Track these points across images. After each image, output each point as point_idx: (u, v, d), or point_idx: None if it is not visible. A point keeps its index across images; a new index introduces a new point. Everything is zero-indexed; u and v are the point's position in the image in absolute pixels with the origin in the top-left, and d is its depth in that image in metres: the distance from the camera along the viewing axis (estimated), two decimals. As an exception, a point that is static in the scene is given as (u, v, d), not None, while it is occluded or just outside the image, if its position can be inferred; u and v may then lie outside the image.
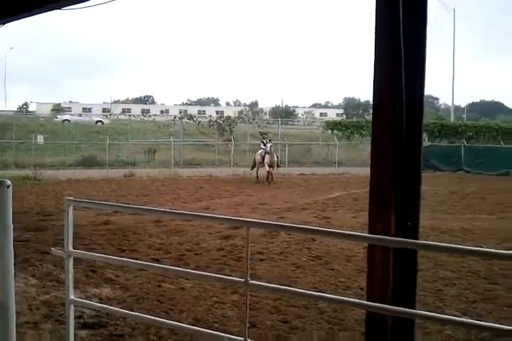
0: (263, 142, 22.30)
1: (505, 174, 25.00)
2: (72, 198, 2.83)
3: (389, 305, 2.42)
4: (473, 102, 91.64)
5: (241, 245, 8.74)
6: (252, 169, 21.80)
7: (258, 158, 21.35)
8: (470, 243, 9.03)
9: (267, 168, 20.46)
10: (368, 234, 2.43)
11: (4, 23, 7.13)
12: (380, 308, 2.29)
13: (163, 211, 2.90)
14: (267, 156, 20.64)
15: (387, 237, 2.40)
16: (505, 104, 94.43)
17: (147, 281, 6.56)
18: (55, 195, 15.24)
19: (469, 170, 26.87)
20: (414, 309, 2.50)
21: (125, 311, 3.12)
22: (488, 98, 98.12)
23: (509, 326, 1.99)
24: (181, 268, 2.69)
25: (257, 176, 20.93)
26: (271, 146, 21.20)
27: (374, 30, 2.73)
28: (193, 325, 3.69)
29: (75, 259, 3.13)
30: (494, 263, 7.70)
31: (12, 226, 2.27)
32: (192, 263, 7.50)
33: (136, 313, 3.07)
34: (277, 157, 21.91)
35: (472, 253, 2.39)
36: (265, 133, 24.69)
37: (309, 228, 2.47)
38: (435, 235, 9.66)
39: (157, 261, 7.35)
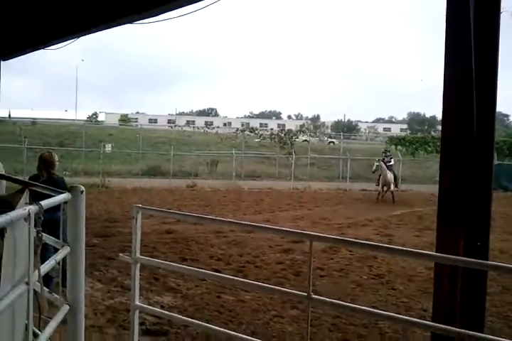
0: (383, 159, 20.97)
1: None
2: (140, 205, 2.93)
3: (456, 327, 2.35)
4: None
5: (301, 260, 8.70)
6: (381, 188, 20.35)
7: (391, 178, 20.09)
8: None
9: (391, 187, 19.82)
10: (436, 253, 2.38)
11: (79, 37, 7.49)
12: (446, 330, 2.23)
13: (227, 221, 2.95)
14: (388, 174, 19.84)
15: (456, 257, 2.33)
16: None
17: (207, 291, 6.64)
18: (121, 203, 15.77)
19: (540, 190, 25.55)
20: (482, 333, 2.41)
21: (187, 319, 3.18)
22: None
23: None
24: (245, 280, 2.72)
25: (381, 195, 19.93)
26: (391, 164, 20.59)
27: (445, 45, 2.70)
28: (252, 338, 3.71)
29: (139, 267, 3.21)
30: None
31: (85, 231, 2.38)
32: (251, 276, 7.52)
33: (198, 321, 3.12)
34: (394, 175, 20.73)
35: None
36: (388, 151, 22.95)
37: (373, 244, 2.45)
38: (504, 258, 9.24)
39: (218, 271, 7.42)
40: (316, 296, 2.44)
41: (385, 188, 19.83)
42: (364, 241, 2.56)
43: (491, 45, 2.64)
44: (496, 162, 27.28)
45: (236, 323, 5.61)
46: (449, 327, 2.25)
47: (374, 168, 20.62)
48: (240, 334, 3.32)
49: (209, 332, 4.99)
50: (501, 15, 2.69)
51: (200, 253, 9.00)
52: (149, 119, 69.75)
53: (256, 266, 8.28)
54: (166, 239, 9.95)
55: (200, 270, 3.19)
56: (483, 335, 2.21)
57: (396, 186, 20.73)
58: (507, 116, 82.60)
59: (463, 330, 2.22)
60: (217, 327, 3.19)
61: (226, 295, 6.54)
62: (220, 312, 5.94)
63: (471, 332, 2.16)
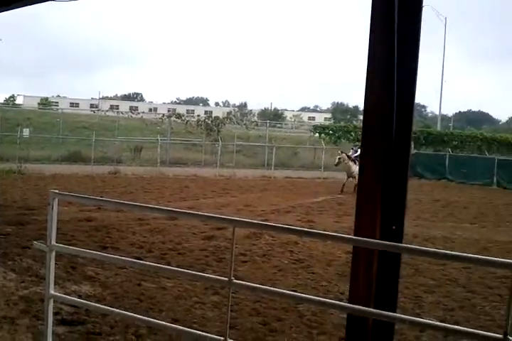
0: (354, 149, 20.46)
1: (487, 184, 25.27)
2: (56, 191, 2.79)
3: (371, 308, 2.42)
4: (460, 111, 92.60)
5: (224, 246, 8.72)
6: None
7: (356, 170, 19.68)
8: (451, 251, 9.12)
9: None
10: (353, 236, 2.43)
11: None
12: (362, 311, 2.29)
13: (149, 207, 2.87)
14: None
15: (373, 240, 2.40)
16: (491, 114, 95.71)
17: (127, 280, 6.51)
18: (38, 190, 15.08)
19: (453, 179, 27.11)
20: (395, 312, 2.50)
21: (105, 307, 3.08)
22: (474, 108, 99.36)
23: (491, 333, 2.01)
24: (166, 266, 2.67)
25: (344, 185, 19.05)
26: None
27: (368, 37, 2.74)
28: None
29: (56, 255, 3.07)
30: (473, 271, 7.78)
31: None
32: (174, 263, 7.45)
33: (117, 310, 3.04)
34: None
35: (454, 258, 2.40)
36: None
37: (295, 229, 2.47)
38: (418, 242, 9.72)
39: (139, 259, 7.27)
40: (237, 281, 2.43)
41: (351, 179, 18.79)
42: (284, 226, 2.57)
43: (412, 40, 2.70)
44: (413, 151, 28.70)
45: (157, 311, 5.53)
46: (364, 307, 2.31)
47: (336, 161, 20.04)
48: (160, 321, 3.27)
49: (128, 320, 4.92)
50: (423, 9, 2.76)
51: (120, 241, 8.79)
52: (71, 103, 67.01)
53: (178, 253, 8.21)
54: (85, 227, 9.64)
55: (119, 257, 3.10)
56: (395, 314, 2.29)
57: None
58: (424, 107, 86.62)
59: (377, 310, 2.28)
60: (135, 315, 3.12)
61: (147, 283, 6.44)
62: (140, 300, 5.84)
63: (384, 312, 2.23)
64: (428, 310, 6.05)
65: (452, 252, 2.25)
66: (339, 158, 19.73)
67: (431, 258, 7.91)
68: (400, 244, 2.49)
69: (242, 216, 11.90)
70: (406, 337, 5.09)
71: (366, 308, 2.32)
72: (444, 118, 65.78)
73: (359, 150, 18.58)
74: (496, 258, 2.13)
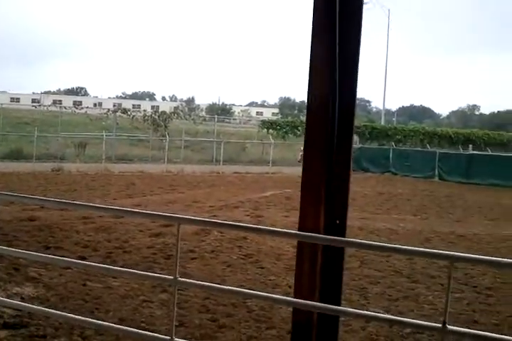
0: None
1: (429, 177, 26.13)
2: (-9, 191, 2.67)
3: (316, 302, 2.45)
4: (403, 106, 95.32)
5: (172, 243, 8.62)
6: None
7: None
8: (395, 243, 9.39)
9: None
10: (297, 232, 2.46)
11: None
12: (306, 305, 2.32)
13: (92, 206, 2.80)
14: None
15: (317, 235, 2.43)
16: (433, 109, 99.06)
17: (72, 280, 6.35)
18: (-25, 189, 14.45)
19: (397, 172, 27.87)
20: (340, 306, 2.55)
21: (48, 310, 2.99)
22: (417, 103, 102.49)
23: (431, 323, 2.08)
24: (108, 266, 2.61)
25: None
26: None
27: (311, 32, 2.76)
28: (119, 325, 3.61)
29: None
30: (416, 262, 8.04)
31: None
32: (120, 261, 7.32)
33: (60, 312, 2.95)
34: None
35: (395, 250, 2.47)
36: None
37: (240, 225, 2.47)
38: (363, 235, 9.95)
39: (84, 258, 7.12)
40: (183, 279, 2.41)
41: None
42: (229, 222, 2.57)
43: (354, 36, 2.74)
44: (357, 145, 29.33)
45: (103, 311, 5.43)
46: (308, 302, 2.34)
47: (299, 157, 19.97)
48: (105, 323, 3.21)
49: (73, 322, 4.80)
50: (364, 6, 2.81)
51: (65, 240, 8.56)
52: (11, 98, 64.52)
53: (125, 251, 8.08)
54: (28, 227, 9.32)
55: (60, 257, 3.01)
56: (339, 307, 2.33)
57: None
58: (369, 102, 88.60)
59: (321, 304, 2.32)
60: (78, 317, 3.05)
61: (92, 283, 6.30)
62: (85, 300, 5.72)
63: (328, 306, 2.26)
64: (373, 301, 6.22)
65: (390, 245, 2.32)
66: (301, 155, 20.18)
67: (374, 251, 8.15)
68: (343, 238, 2.54)
69: (190, 212, 11.83)
70: (352, 328, 5.21)
71: (311, 302, 2.35)
72: (388, 113, 67.53)
73: None
74: (434, 250, 2.20)
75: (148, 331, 3.50)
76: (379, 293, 6.56)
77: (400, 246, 2.31)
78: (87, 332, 4.75)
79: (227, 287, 2.51)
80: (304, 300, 2.44)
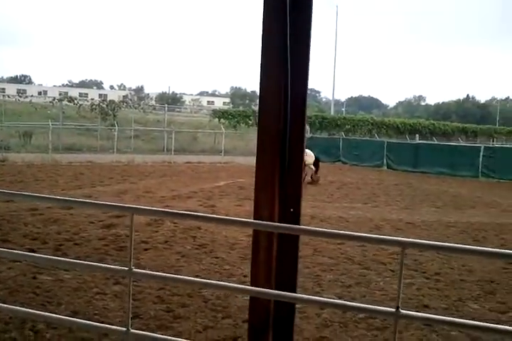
0: None
1: (378, 166, 26.77)
2: None
3: (272, 289, 2.48)
4: (352, 97, 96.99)
5: (124, 234, 8.53)
6: None
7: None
8: (346, 231, 9.60)
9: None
10: (253, 220, 2.48)
11: None
12: (263, 293, 2.35)
13: (43, 197, 2.73)
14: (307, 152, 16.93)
15: (272, 223, 2.46)
16: (381, 99, 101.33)
17: (21, 273, 6.18)
18: None
19: (347, 161, 28.42)
20: (295, 292, 2.59)
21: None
22: (365, 93, 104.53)
23: (384, 308, 2.15)
24: (60, 258, 2.56)
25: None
26: None
27: (262, 21, 2.77)
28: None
29: None
30: (368, 249, 8.25)
31: None
32: (72, 254, 7.17)
33: (11, 306, 2.87)
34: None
35: (349, 237, 2.53)
36: None
37: (195, 214, 2.47)
38: (315, 223, 10.12)
39: (33, 251, 6.93)
40: (138, 270, 2.39)
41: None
42: (184, 212, 2.57)
43: (305, 21, 2.76)
44: (308, 135, 29.66)
45: (55, 304, 5.33)
46: (265, 289, 2.37)
47: None
48: (57, 315, 3.14)
49: (24, 315, 4.68)
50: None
51: (12, 232, 8.29)
52: None
53: (76, 243, 7.91)
54: (-30, 220, 8.98)
55: (9, 250, 2.92)
56: (296, 294, 2.37)
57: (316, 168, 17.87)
58: (319, 92, 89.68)
59: (277, 292, 2.35)
60: (29, 310, 2.97)
61: (43, 276, 6.16)
62: (36, 293, 5.59)
63: (284, 293, 2.30)
64: (327, 288, 6.34)
65: (343, 231, 2.37)
66: None
67: (328, 238, 8.30)
68: (297, 226, 2.58)
69: (142, 203, 11.69)
70: (307, 315, 5.31)
71: (267, 290, 2.38)
72: (337, 103, 68.58)
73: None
74: (386, 237, 2.27)
75: (103, 323, 3.45)
76: (332, 280, 6.70)
77: (353, 233, 2.37)
78: (39, 325, 4.66)
79: (183, 277, 2.51)
80: (261, 287, 2.46)
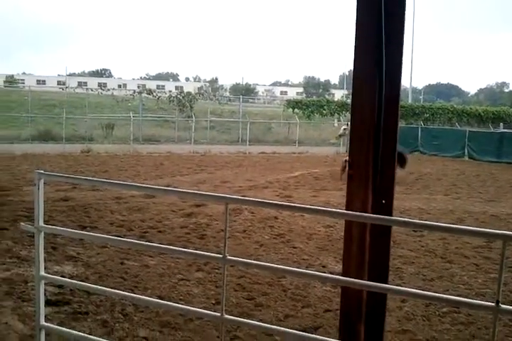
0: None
1: (459, 156, 25.73)
2: (42, 171, 2.72)
3: (364, 280, 2.46)
4: (429, 84, 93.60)
5: (205, 223, 8.74)
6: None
7: None
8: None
9: None
10: (347, 211, 2.45)
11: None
12: (357, 284, 2.33)
13: (140, 186, 2.83)
14: None
15: (366, 214, 2.43)
16: (461, 86, 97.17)
17: (110, 259, 6.49)
18: (10, 170, 14.77)
19: (425, 151, 27.50)
20: (387, 284, 2.56)
21: (95, 286, 3.06)
22: (444, 81, 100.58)
23: (484, 302, 2.07)
24: (159, 245, 2.66)
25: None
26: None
27: (356, 9, 2.72)
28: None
29: (34, 235, 2.98)
30: (450, 242, 7.98)
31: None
32: (155, 241, 7.42)
33: (105, 288, 3.02)
34: None
35: (446, 230, 2.45)
36: None
37: (288, 205, 2.48)
38: (394, 214, 9.85)
39: (120, 237, 7.25)
40: (232, 257, 2.44)
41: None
42: (275, 202, 2.58)
43: (398, 15, 2.69)
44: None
45: (141, 289, 5.55)
46: (359, 280, 2.35)
47: (341, 131, 17.72)
48: (145, 297, 3.27)
49: (114, 298, 4.92)
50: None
51: (99, 220, 8.72)
52: (37, 80, 65.39)
53: (159, 230, 8.20)
54: (62, 207, 9.52)
55: (114, 237, 3.07)
56: (390, 286, 2.34)
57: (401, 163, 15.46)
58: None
59: (371, 283, 2.33)
60: (122, 292, 3.12)
61: (130, 262, 6.43)
62: (124, 278, 5.84)
63: (379, 284, 2.27)
64: (408, 281, 6.21)
65: (441, 224, 2.29)
66: (344, 129, 18.27)
67: (416, 231, 8.11)
68: (392, 217, 2.53)
69: (219, 192, 11.90)
70: (388, 308, 5.22)
71: (361, 281, 2.36)
72: (415, 91, 66.47)
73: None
74: (487, 230, 2.18)
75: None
76: (413, 273, 6.55)
77: (451, 225, 2.29)
78: (128, 308, 4.87)
79: (276, 265, 2.54)
80: (353, 278, 2.45)
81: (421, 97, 65.86)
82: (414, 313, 5.21)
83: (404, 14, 2.64)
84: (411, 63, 50.94)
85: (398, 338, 4.65)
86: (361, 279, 2.48)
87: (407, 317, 5.10)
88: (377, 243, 2.62)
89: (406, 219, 2.48)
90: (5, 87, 48.44)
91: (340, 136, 18.98)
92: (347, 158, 13.82)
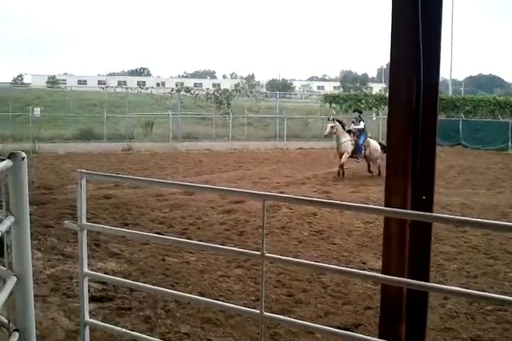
0: (354, 121, 16.19)
1: (502, 149, 24.99)
2: (84, 170, 2.79)
3: (405, 277, 2.43)
4: (470, 76, 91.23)
5: (243, 220, 8.78)
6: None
7: (348, 146, 15.27)
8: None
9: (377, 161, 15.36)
10: (386, 208, 2.42)
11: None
12: (397, 281, 2.30)
13: (182, 184, 2.87)
14: (371, 145, 15.39)
15: (405, 210, 2.40)
16: (503, 78, 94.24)
17: (151, 255, 6.59)
18: (54, 169, 15.20)
19: (467, 144, 26.85)
20: (428, 282, 2.51)
21: (138, 283, 3.13)
22: (485, 72, 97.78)
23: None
24: (199, 242, 2.69)
25: (341, 171, 14.94)
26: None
27: (391, 4, 2.68)
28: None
29: (78, 233, 3.06)
30: (494, 238, 7.77)
31: (28, 199, 2.25)
32: (195, 238, 7.51)
33: (148, 285, 3.08)
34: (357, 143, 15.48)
35: (492, 227, 2.39)
36: (358, 111, 16.96)
37: (326, 201, 2.46)
38: (436, 210, 9.54)
39: (160, 234, 7.36)
40: (270, 254, 2.45)
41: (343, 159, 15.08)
42: (314, 199, 2.57)
43: (435, 7, 2.64)
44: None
45: (183, 285, 5.62)
46: (399, 278, 2.32)
47: (327, 130, 15.60)
48: (187, 294, 3.32)
49: (156, 295, 5.01)
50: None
51: (141, 217, 8.88)
52: (78, 80, 66.86)
53: (198, 227, 8.28)
54: (104, 205, 9.73)
55: (153, 234, 3.13)
56: (432, 284, 2.30)
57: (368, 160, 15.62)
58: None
59: (412, 281, 2.29)
60: (164, 289, 3.17)
61: (171, 258, 6.52)
62: (165, 275, 5.93)
63: (420, 282, 2.24)
64: (451, 278, 6.08)
65: (487, 220, 2.23)
66: (332, 128, 15.41)
67: (458, 226, 7.92)
68: (432, 214, 2.49)
69: (257, 189, 11.94)
70: (430, 305, 5.13)
71: (402, 279, 2.33)
72: (455, 83, 64.89)
73: (362, 123, 15.78)
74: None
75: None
76: (456, 270, 6.41)
77: (494, 222, 2.23)
78: (170, 305, 4.95)
79: (315, 263, 2.53)
80: (393, 275, 2.41)
81: (461, 89, 64.22)
82: (458, 311, 5.10)
83: (441, 5, 2.58)
84: (450, 54, 49.74)
85: (441, 336, 4.56)
86: (401, 276, 2.44)
87: (450, 315, 5.00)
88: (418, 239, 2.58)
89: (447, 216, 2.44)
90: (48, 87, 49.77)
91: (326, 135, 16.14)
92: (342, 158, 13.38)
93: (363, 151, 15.37)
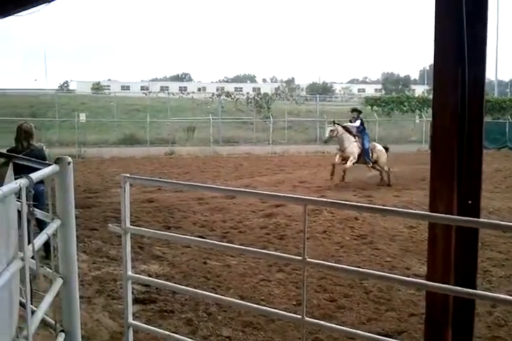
0: (351, 120, 15.10)
1: (552, 151, 24.14)
2: (128, 175, 2.85)
3: (451, 285, 2.37)
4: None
5: (284, 223, 8.75)
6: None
7: (353, 149, 14.10)
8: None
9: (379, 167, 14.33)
10: (433, 213, 2.37)
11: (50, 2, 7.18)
12: (443, 289, 2.25)
13: (223, 189, 2.90)
14: (377, 147, 14.50)
15: (450, 216, 2.34)
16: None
17: (193, 258, 6.65)
18: (99, 173, 15.58)
19: (515, 147, 26.05)
20: (476, 289, 2.45)
21: (180, 286, 3.16)
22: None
23: None
24: (240, 246, 2.70)
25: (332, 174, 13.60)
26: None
27: (434, 5, 2.63)
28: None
29: (121, 236, 3.11)
30: (544, 244, 7.49)
31: (74, 203, 2.31)
32: (236, 241, 7.54)
33: (189, 288, 3.11)
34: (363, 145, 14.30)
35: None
36: (356, 110, 15.69)
37: (369, 206, 2.43)
38: (483, 215, 9.32)
39: (202, 238, 7.42)
40: (311, 260, 2.43)
41: (344, 163, 14.00)
42: (356, 204, 2.54)
43: (481, 8, 2.58)
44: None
45: (224, 288, 5.64)
46: (445, 285, 2.27)
47: (327, 134, 15.09)
48: (229, 298, 3.33)
49: (198, 297, 5.05)
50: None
51: (183, 220, 8.98)
52: (122, 86, 68.25)
53: (240, 231, 8.31)
54: (148, 208, 9.89)
55: (194, 238, 3.16)
56: (479, 292, 2.23)
57: (370, 161, 14.28)
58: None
59: (459, 288, 2.24)
60: (206, 292, 3.19)
61: (212, 261, 6.56)
62: (207, 278, 5.96)
63: (466, 290, 2.18)
64: (498, 285, 5.89)
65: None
66: (332, 131, 14.41)
67: (506, 231, 7.67)
68: (479, 219, 2.42)
69: (298, 193, 11.90)
70: (477, 312, 4.98)
71: (447, 286, 2.27)
72: (501, 84, 63.11)
73: (358, 122, 14.60)
74: None
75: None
76: (504, 277, 6.20)
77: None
78: (212, 308, 4.97)
79: (357, 268, 2.49)
80: (439, 282, 2.36)
81: (508, 90, 62.31)
82: (506, 319, 4.93)
83: (487, 5, 2.52)
84: (496, 55, 48.46)
85: (489, 345, 4.43)
86: (447, 283, 2.39)
87: (498, 323, 4.84)
88: (464, 245, 2.51)
89: (495, 221, 2.37)
90: (92, 93, 51.09)
91: (326, 141, 15.49)
92: (336, 160, 12.68)
93: (371, 154, 14.21)
